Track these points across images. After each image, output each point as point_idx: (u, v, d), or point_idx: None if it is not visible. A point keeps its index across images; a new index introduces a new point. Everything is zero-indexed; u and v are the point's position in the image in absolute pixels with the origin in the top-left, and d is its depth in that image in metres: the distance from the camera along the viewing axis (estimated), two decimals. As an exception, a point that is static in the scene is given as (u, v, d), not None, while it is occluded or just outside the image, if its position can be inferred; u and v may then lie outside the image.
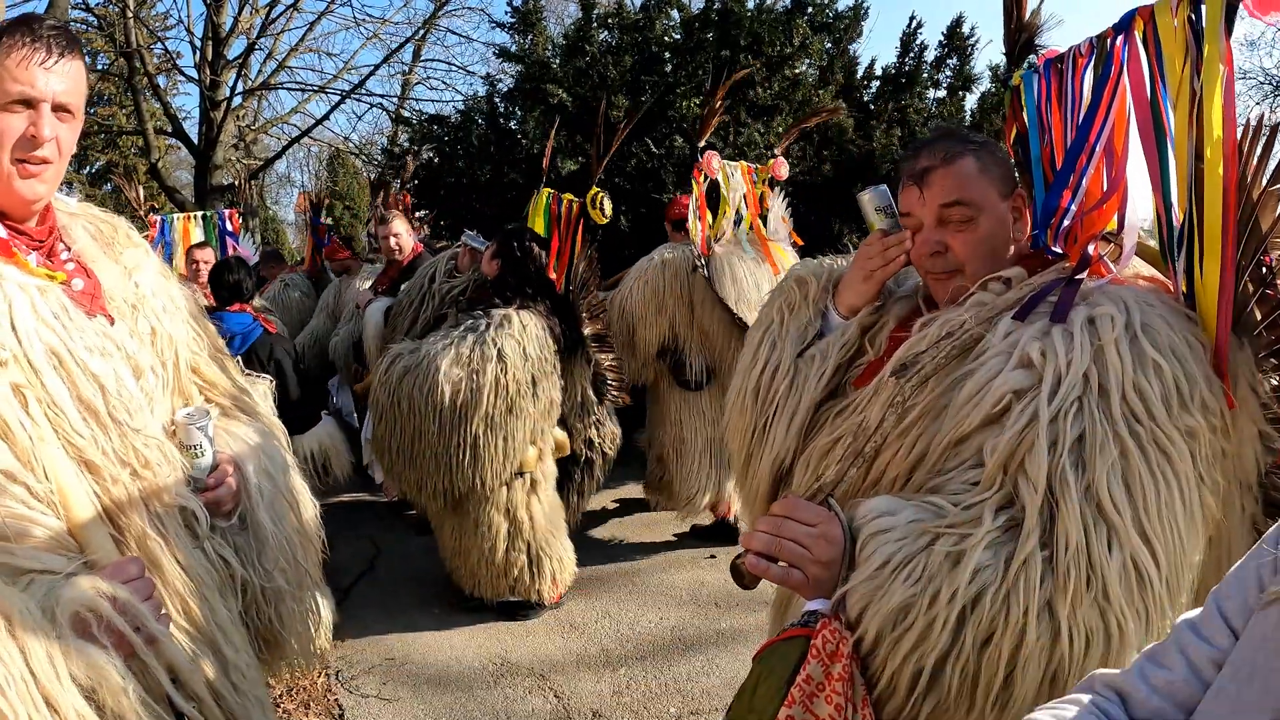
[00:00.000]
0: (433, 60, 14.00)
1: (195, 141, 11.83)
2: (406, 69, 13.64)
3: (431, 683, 3.21)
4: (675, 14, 6.90)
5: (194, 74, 12.03)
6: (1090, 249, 1.32)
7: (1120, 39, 1.39)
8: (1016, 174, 1.51)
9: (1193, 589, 1.17)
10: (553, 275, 3.67)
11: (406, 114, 11.30)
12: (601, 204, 4.09)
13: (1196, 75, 1.23)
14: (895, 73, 6.62)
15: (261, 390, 1.81)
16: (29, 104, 1.22)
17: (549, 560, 3.69)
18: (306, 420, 3.86)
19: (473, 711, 3.01)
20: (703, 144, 4.26)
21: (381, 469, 3.73)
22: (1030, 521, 1.05)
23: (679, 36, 6.77)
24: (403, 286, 4.35)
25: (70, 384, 1.19)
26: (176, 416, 1.36)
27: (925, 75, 6.57)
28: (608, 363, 3.94)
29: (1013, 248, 1.39)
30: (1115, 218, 1.41)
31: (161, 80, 12.66)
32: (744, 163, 4.41)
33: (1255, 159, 1.25)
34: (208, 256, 5.19)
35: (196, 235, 6.04)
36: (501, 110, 7.37)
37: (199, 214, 6.35)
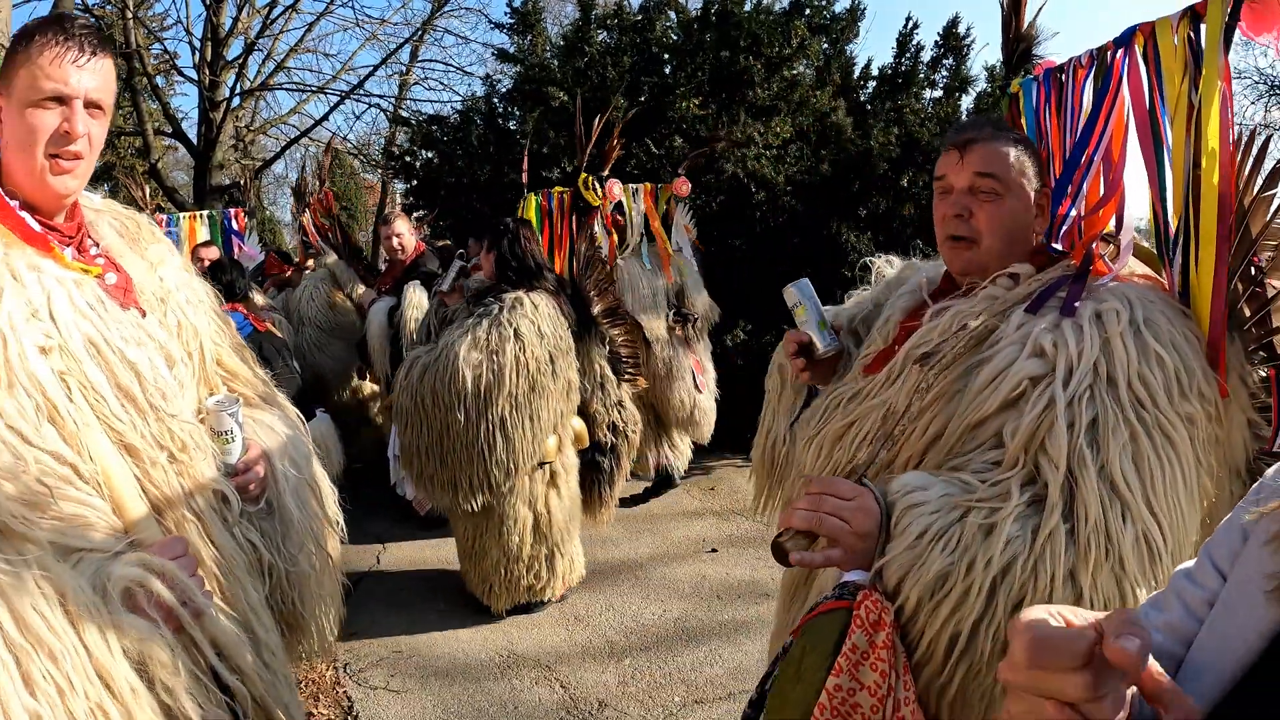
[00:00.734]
0: (430, 61, 14.01)
1: (194, 142, 11.82)
2: (404, 69, 13.65)
3: (439, 675, 3.26)
4: (674, 15, 6.95)
5: (193, 74, 12.02)
6: (1092, 248, 1.40)
7: (1121, 53, 1.48)
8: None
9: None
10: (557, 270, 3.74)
11: (404, 114, 11.32)
12: (594, 185, 4.25)
13: (1195, 89, 1.32)
14: (892, 73, 6.68)
15: None
16: (62, 100, 1.24)
17: (562, 559, 3.69)
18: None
19: (480, 702, 3.05)
20: (605, 173, 4.66)
21: (412, 479, 3.65)
22: (1054, 496, 1.13)
23: (678, 37, 6.82)
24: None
25: (109, 372, 1.23)
26: (207, 403, 1.40)
27: (922, 75, 6.62)
28: (621, 339, 3.91)
29: (1033, 240, 1.46)
30: (1114, 218, 1.50)
31: (160, 80, 12.64)
32: (646, 184, 5.08)
33: (1247, 168, 1.34)
34: (212, 255, 5.21)
35: (202, 234, 6.07)
36: (500, 111, 7.42)
37: (204, 213, 6.36)
